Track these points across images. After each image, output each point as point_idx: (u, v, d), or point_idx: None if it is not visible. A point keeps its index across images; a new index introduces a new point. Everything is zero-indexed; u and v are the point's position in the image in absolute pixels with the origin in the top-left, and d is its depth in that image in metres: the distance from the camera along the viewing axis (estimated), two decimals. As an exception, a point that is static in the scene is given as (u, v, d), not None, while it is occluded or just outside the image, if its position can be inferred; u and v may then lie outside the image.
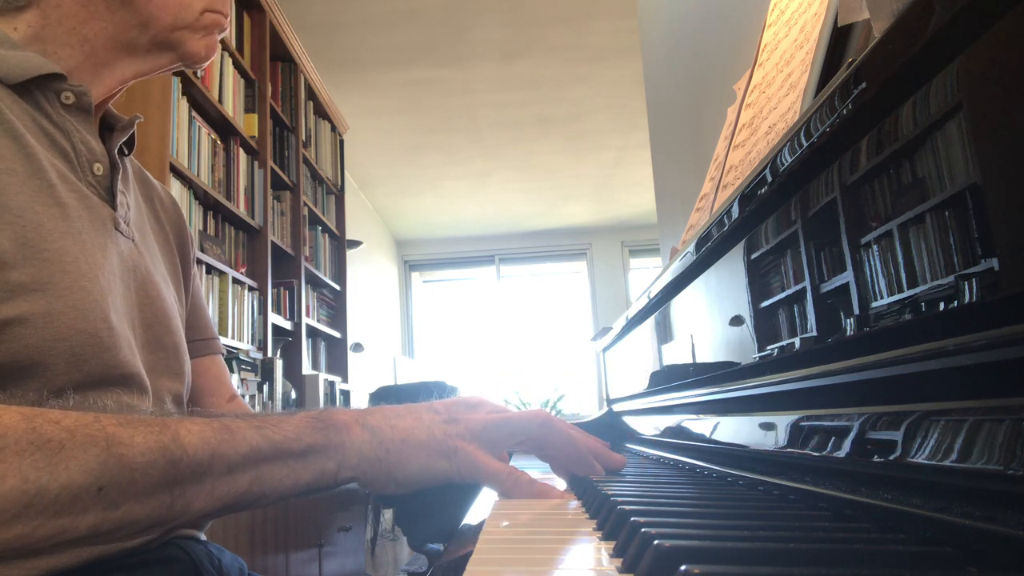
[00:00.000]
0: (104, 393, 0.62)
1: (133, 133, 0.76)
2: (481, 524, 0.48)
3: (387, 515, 4.70)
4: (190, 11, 0.71)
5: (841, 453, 0.42)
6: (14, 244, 0.56)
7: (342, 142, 4.42)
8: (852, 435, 0.42)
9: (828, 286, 0.46)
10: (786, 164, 0.51)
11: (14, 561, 0.43)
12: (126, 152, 0.76)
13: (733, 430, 0.66)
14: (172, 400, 0.73)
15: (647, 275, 6.77)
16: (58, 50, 0.67)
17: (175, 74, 2.38)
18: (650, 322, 1.05)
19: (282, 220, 3.41)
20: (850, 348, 0.43)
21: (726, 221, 0.65)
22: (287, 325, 3.35)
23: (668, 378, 0.93)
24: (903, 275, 0.37)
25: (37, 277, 0.57)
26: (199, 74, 2.55)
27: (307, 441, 0.52)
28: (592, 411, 1.83)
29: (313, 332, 3.77)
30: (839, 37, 0.78)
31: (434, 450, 0.54)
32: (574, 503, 0.56)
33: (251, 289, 2.97)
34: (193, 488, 0.47)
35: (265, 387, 2.93)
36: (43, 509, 0.42)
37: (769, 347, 0.56)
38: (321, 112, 4.05)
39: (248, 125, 3.00)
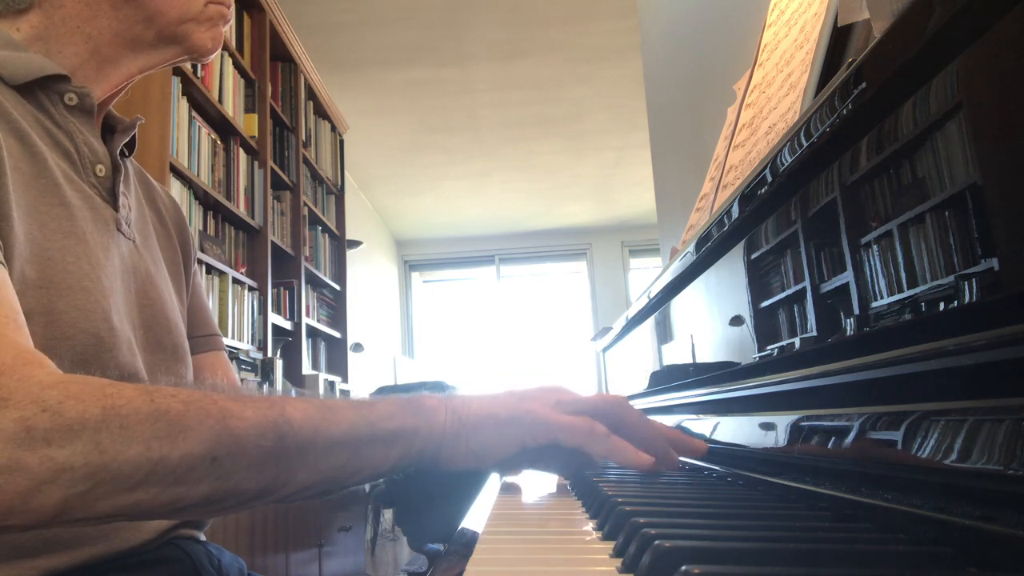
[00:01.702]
0: None
1: (134, 135, 0.76)
2: (481, 524, 0.48)
3: (387, 515, 4.70)
4: (194, 3, 0.72)
5: (841, 453, 0.42)
6: (22, 240, 0.57)
7: (342, 142, 4.42)
8: (852, 435, 0.42)
9: (828, 286, 0.46)
10: (786, 164, 0.51)
11: (132, 520, 0.45)
12: (127, 154, 0.76)
13: (733, 430, 0.66)
14: None
15: (647, 275, 6.76)
16: (62, 49, 0.67)
17: (174, 73, 2.37)
18: (650, 322, 1.05)
19: (282, 220, 3.41)
20: (850, 348, 0.43)
21: (726, 221, 0.65)
22: (287, 325, 3.35)
23: (668, 378, 0.93)
24: (903, 275, 0.37)
25: (40, 275, 0.58)
26: (199, 74, 2.55)
27: (399, 422, 0.54)
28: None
29: (313, 332, 3.77)
30: (839, 37, 0.78)
31: (507, 418, 0.56)
32: (575, 503, 0.56)
33: (251, 289, 2.97)
34: (297, 461, 0.49)
35: (265, 387, 2.93)
36: (163, 477, 0.44)
37: (769, 347, 0.56)
38: (321, 112, 4.05)
39: (248, 125, 3.00)
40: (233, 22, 2.96)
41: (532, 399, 0.58)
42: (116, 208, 0.69)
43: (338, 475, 0.52)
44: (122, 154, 0.74)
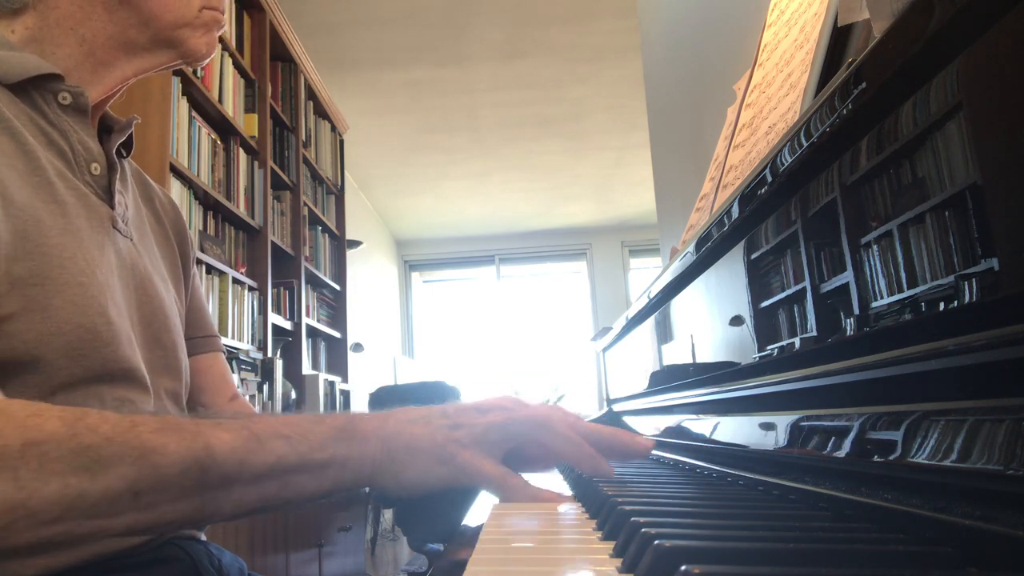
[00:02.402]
0: (106, 388, 0.62)
1: (131, 134, 0.76)
2: (481, 524, 0.48)
3: (387, 515, 4.70)
4: (189, 9, 0.72)
5: (841, 453, 0.42)
6: (15, 237, 0.57)
7: (342, 142, 4.42)
8: (852, 435, 0.42)
9: (828, 286, 0.46)
10: (786, 164, 0.51)
11: (55, 552, 0.45)
12: (124, 154, 0.76)
13: (733, 430, 0.66)
14: (169, 399, 0.73)
15: (647, 275, 6.76)
16: (56, 51, 0.67)
17: (175, 74, 2.37)
18: (650, 322, 1.05)
19: (282, 220, 3.41)
20: (850, 348, 0.43)
21: (726, 221, 0.65)
22: (287, 325, 3.35)
23: (668, 378, 0.93)
24: (903, 275, 0.37)
25: (35, 272, 0.58)
26: (199, 74, 2.55)
27: (330, 452, 0.53)
28: (592, 411, 1.83)
29: (313, 332, 3.77)
30: (839, 37, 0.78)
31: (433, 456, 0.55)
32: (574, 503, 0.56)
33: (251, 289, 2.97)
34: (222, 494, 0.49)
35: (265, 387, 2.93)
36: (83, 512, 0.44)
37: (769, 347, 0.56)
38: (321, 112, 4.05)
39: (248, 125, 3.00)
40: (233, 22, 2.96)
41: (460, 435, 0.56)
42: (112, 206, 0.69)
43: (268, 504, 0.51)
44: (119, 154, 0.74)
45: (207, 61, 0.76)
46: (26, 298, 0.57)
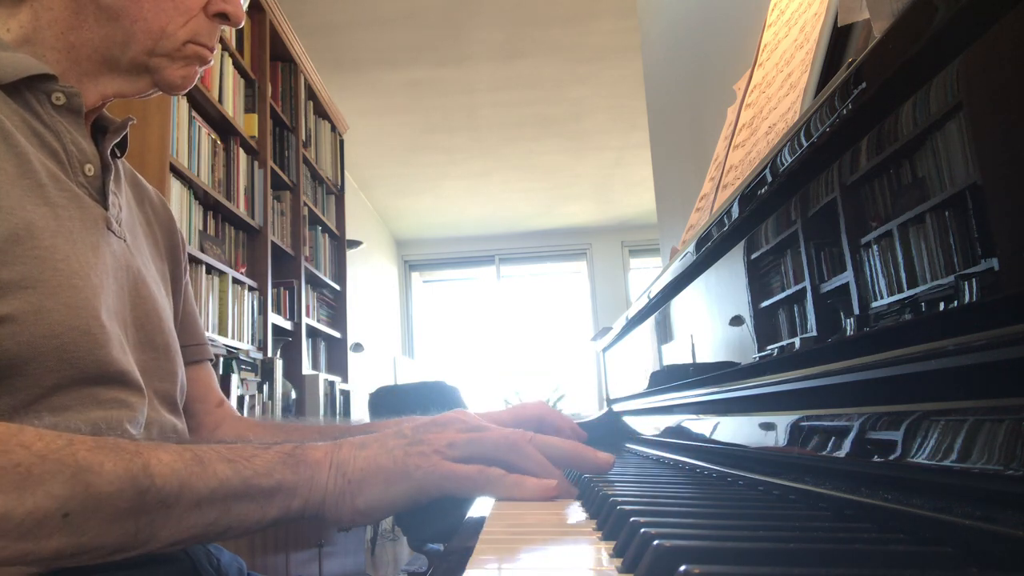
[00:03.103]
0: (99, 390, 0.62)
1: (126, 135, 0.76)
2: (481, 524, 0.48)
3: (387, 515, 4.69)
4: (172, 40, 0.70)
5: (841, 453, 0.42)
6: (4, 242, 0.56)
7: (342, 142, 4.42)
8: (852, 435, 0.42)
9: (828, 286, 0.46)
10: (786, 164, 0.51)
11: None
12: (118, 154, 0.76)
13: (733, 430, 0.66)
14: (163, 401, 0.73)
15: (647, 275, 6.76)
16: (46, 53, 0.67)
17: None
18: (650, 322, 1.05)
19: (282, 220, 3.41)
20: (850, 348, 0.43)
21: (726, 221, 0.65)
22: (287, 325, 3.35)
23: (668, 378, 0.93)
24: (903, 275, 0.37)
25: (27, 275, 0.57)
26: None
27: (277, 478, 0.52)
28: (592, 411, 1.83)
29: (313, 332, 3.77)
30: (839, 37, 0.78)
31: (393, 473, 0.54)
32: (574, 503, 0.56)
33: (251, 289, 2.97)
34: (160, 518, 0.47)
35: (265, 387, 2.93)
36: (7, 532, 0.42)
37: (769, 347, 0.56)
38: (321, 112, 4.05)
39: (248, 125, 3.00)
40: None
41: (421, 449, 0.54)
42: (106, 207, 0.69)
43: (208, 531, 0.50)
44: (113, 154, 0.74)
45: (183, 92, 0.74)
46: (19, 301, 0.56)
